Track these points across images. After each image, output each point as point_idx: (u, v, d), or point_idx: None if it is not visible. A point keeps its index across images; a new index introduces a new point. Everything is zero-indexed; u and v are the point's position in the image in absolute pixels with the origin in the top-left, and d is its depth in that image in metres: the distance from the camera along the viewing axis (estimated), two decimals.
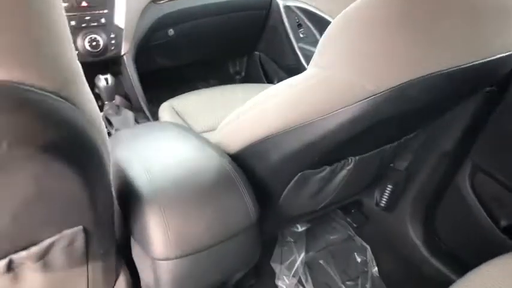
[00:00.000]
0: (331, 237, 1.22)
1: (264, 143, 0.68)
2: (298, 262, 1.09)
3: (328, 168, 0.75)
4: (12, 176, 0.35)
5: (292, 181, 0.73)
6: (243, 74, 1.79)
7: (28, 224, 0.44)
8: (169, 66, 1.52)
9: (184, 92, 1.22)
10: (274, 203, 0.81)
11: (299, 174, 0.71)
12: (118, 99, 1.30)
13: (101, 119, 0.51)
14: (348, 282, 1.09)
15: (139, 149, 0.74)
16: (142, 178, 0.65)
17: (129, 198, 0.65)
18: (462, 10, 0.50)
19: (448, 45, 0.51)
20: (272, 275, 1.07)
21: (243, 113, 0.72)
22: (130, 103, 1.29)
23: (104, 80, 1.09)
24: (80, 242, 0.51)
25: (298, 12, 1.40)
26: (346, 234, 1.24)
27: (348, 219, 1.28)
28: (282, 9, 1.46)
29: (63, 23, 0.36)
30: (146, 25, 1.23)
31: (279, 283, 1.05)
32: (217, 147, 0.76)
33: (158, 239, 0.60)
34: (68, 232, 0.48)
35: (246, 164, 0.74)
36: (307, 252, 1.14)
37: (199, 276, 0.64)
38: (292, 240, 1.15)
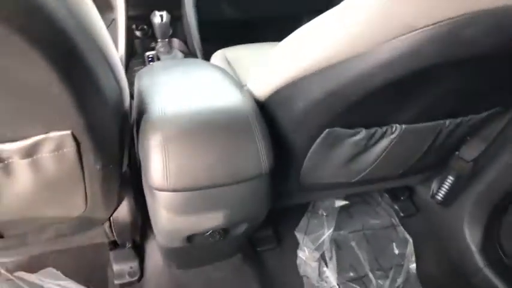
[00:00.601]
0: (371, 221, 1.10)
1: (289, 88, 0.60)
2: (325, 237, 1.00)
3: (364, 131, 0.65)
4: None
5: (319, 138, 0.64)
6: None
7: (10, 115, 0.43)
8: (236, 17, 1.46)
9: None
10: (298, 162, 0.73)
11: (327, 130, 0.62)
12: (176, 41, 1.29)
13: (102, 30, 0.48)
14: (377, 272, 0.99)
15: (163, 80, 0.71)
16: (156, 107, 0.62)
17: (139, 125, 0.62)
18: None
19: None
20: (294, 245, 1.01)
21: (273, 56, 0.64)
22: (188, 47, 1.28)
23: (159, 17, 1.08)
24: (70, 149, 0.49)
25: None
26: (389, 222, 1.12)
27: (395, 206, 1.15)
28: None
29: None
30: None
31: (300, 253, 0.98)
32: (246, 92, 0.69)
33: (157, 167, 0.56)
34: (55, 134, 0.47)
35: (271, 113, 0.67)
36: (338, 229, 1.05)
37: (196, 216, 0.60)
38: (324, 214, 1.06)
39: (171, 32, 1.27)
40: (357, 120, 0.63)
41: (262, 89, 0.69)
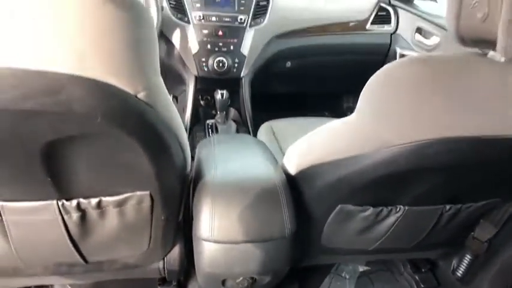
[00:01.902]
0: None
1: (310, 170, 0.78)
2: None
3: (371, 209, 0.79)
4: (99, 145, 0.55)
5: (334, 212, 0.80)
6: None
7: (115, 181, 0.65)
8: (284, 92, 1.70)
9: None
10: (319, 228, 0.88)
11: (339, 206, 0.78)
12: (232, 111, 1.53)
13: (177, 120, 0.69)
14: None
15: (218, 152, 0.92)
16: (209, 172, 0.82)
17: (196, 184, 0.82)
18: (495, 83, 0.52)
19: (479, 113, 0.53)
20: None
21: (302, 141, 0.83)
22: (241, 116, 1.52)
23: (220, 94, 1.33)
24: (146, 204, 0.70)
25: None
26: None
27: (417, 277, 1.22)
28: (398, 57, 1.49)
29: (153, 46, 0.54)
30: (267, 55, 1.44)
31: None
32: (278, 167, 0.88)
33: (205, 221, 0.75)
34: (139, 193, 0.68)
35: (297, 186, 0.84)
36: None
37: (229, 264, 0.77)
38: (346, 276, 1.17)
39: (229, 102, 1.52)
40: (365, 200, 0.78)
41: (292, 166, 0.87)
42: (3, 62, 0.42)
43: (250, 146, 0.98)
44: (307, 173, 0.81)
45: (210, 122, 1.37)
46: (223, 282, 0.83)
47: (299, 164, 0.83)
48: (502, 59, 0.55)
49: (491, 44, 0.56)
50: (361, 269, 1.19)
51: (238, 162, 0.88)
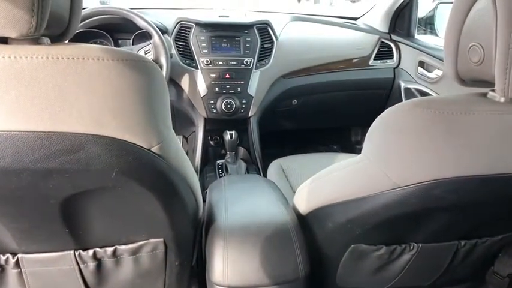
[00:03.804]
0: None
1: (319, 212, 0.79)
2: None
3: (384, 248, 0.79)
4: (115, 196, 0.57)
5: (347, 252, 0.80)
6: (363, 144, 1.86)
7: (129, 229, 0.67)
8: (292, 129, 1.73)
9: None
10: (333, 268, 0.87)
11: (352, 246, 0.78)
12: (241, 150, 1.56)
13: (189, 168, 0.71)
14: None
15: (228, 194, 0.93)
16: (221, 216, 0.83)
17: (208, 229, 0.83)
18: (495, 123, 0.54)
19: (482, 152, 0.54)
20: None
21: (311, 181, 0.84)
22: (250, 155, 1.54)
23: (229, 135, 1.36)
24: (160, 250, 0.71)
25: (417, 94, 1.44)
26: None
27: None
28: (403, 91, 1.52)
29: (165, 102, 0.57)
30: (273, 95, 1.48)
31: None
32: (289, 207, 0.89)
33: (218, 265, 0.75)
34: (153, 240, 0.69)
35: (309, 227, 0.85)
36: None
37: None
38: None
39: (238, 141, 1.55)
40: (378, 239, 0.78)
41: (302, 207, 0.87)
42: (26, 125, 0.45)
43: (261, 187, 0.99)
44: (318, 214, 0.82)
45: (220, 162, 1.40)
46: None
47: (309, 206, 0.84)
48: (502, 99, 0.56)
49: (490, 84, 0.58)
50: None
51: (249, 204, 0.89)
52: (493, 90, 0.59)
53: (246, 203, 0.90)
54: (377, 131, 0.63)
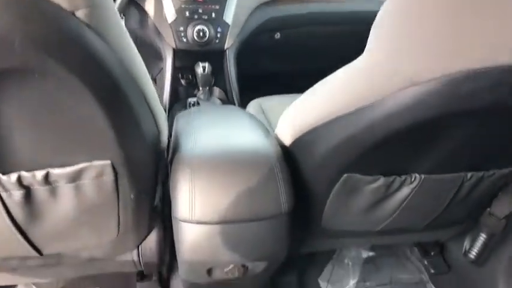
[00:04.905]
0: (399, 275, 1.07)
1: (310, 135, 0.65)
2: (351, 286, 0.98)
3: (382, 179, 0.67)
4: (36, 89, 0.41)
5: (338, 183, 0.67)
6: None
7: (60, 145, 0.51)
8: (274, 71, 1.56)
9: None
10: (320, 207, 0.75)
11: (345, 175, 0.65)
12: (217, 90, 1.39)
13: (142, 70, 0.56)
14: None
15: (197, 123, 0.78)
16: (187, 145, 0.68)
17: (172, 160, 0.69)
18: None
19: None
20: None
21: (297, 103, 0.70)
22: (227, 96, 1.38)
23: (201, 67, 1.19)
24: (108, 177, 0.56)
25: None
26: (419, 278, 1.08)
27: (425, 262, 1.11)
28: None
29: None
30: (253, 25, 1.30)
31: None
32: (272, 138, 0.75)
33: (183, 199, 0.62)
34: (97, 163, 0.54)
35: (294, 158, 0.72)
36: (363, 281, 1.02)
37: (215, 249, 0.64)
38: (350, 263, 1.05)
39: (213, 82, 1.38)
40: (375, 168, 0.66)
41: (286, 135, 0.74)
42: None
43: (237, 116, 0.85)
44: (306, 140, 0.68)
45: (191, 100, 1.23)
46: (209, 271, 0.70)
47: (295, 131, 0.70)
48: None
49: None
50: (364, 255, 1.07)
51: (223, 131, 0.75)
52: None
53: (218, 130, 0.75)
54: (388, 16, 0.48)
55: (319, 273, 1.02)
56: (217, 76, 1.38)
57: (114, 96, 0.47)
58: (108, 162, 0.54)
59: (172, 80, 1.33)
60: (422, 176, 0.68)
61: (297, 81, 1.78)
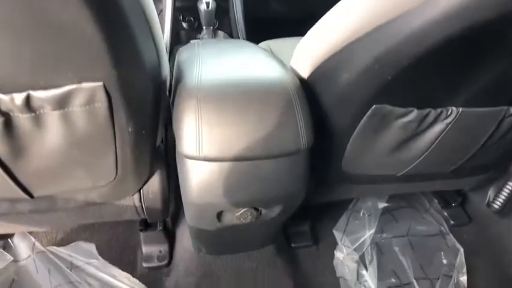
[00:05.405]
0: (417, 227, 1.01)
1: (334, 59, 0.56)
2: (366, 238, 0.93)
3: (415, 112, 0.58)
4: None
5: (365, 117, 0.59)
6: None
7: (43, 60, 0.42)
8: (282, 13, 1.44)
9: None
10: (341, 146, 0.67)
11: (374, 107, 0.57)
12: (221, 34, 1.29)
13: None
14: (422, 281, 0.89)
15: (203, 53, 0.69)
16: (192, 75, 0.59)
17: (175, 91, 0.60)
18: None
19: None
20: (332, 244, 0.94)
21: (315, 29, 0.61)
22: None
23: (205, 4, 1.08)
24: (101, 104, 0.48)
25: None
26: (437, 229, 1.02)
27: (445, 213, 1.05)
28: None
29: None
30: None
31: (337, 253, 0.91)
32: (290, 70, 0.66)
33: (188, 133, 0.54)
34: (87, 85, 0.45)
35: (314, 90, 0.63)
36: (380, 232, 0.97)
37: (227, 189, 0.57)
38: (366, 214, 0.99)
39: (216, 24, 1.27)
40: (408, 98, 0.57)
41: (305, 65, 0.65)
42: None
43: (248, 46, 0.75)
44: (327, 68, 0.59)
45: (194, 41, 1.13)
46: (219, 215, 0.63)
47: (314, 60, 0.61)
48: None
49: None
50: (381, 205, 1.01)
51: (233, 60, 0.65)
52: None
53: (228, 59, 0.66)
54: None
55: (332, 225, 0.97)
56: (221, 19, 1.26)
57: (106, 3, 0.37)
58: (100, 84, 0.45)
59: (173, 22, 1.22)
60: (460, 109, 0.60)
61: (304, 25, 1.66)
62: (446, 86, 0.56)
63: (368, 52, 0.49)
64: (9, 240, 0.91)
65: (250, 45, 0.76)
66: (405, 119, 0.60)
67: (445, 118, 0.61)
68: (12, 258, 0.87)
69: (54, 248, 0.87)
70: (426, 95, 0.57)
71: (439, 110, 0.60)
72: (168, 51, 1.17)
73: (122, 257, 0.89)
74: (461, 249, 0.95)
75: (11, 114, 0.46)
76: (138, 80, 0.51)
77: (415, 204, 1.07)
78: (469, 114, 0.61)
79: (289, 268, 0.88)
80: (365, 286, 0.87)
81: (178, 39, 1.26)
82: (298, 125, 0.56)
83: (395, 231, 0.98)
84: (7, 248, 0.90)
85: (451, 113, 0.60)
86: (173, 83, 0.67)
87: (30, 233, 0.91)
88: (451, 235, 0.99)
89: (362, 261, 0.90)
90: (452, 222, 1.03)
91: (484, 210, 1.02)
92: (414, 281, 0.88)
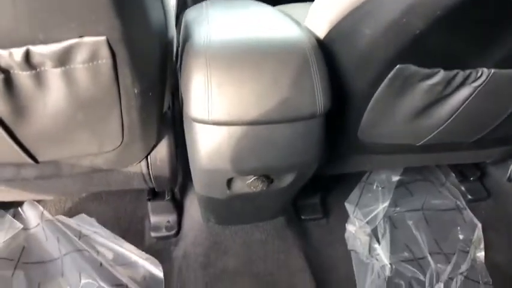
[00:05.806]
0: (433, 201, 0.98)
1: (351, 17, 0.52)
2: (379, 211, 0.90)
3: (442, 73, 0.54)
4: None
5: (387, 78, 0.55)
6: None
7: (41, 12, 0.39)
8: None
9: None
10: (359, 111, 0.63)
11: (398, 67, 0.53)
12: None
13: None
14: (437, 255, 0.87)
15: (212, 12, 0.64)
16: (201, 34, 0.56)
17: (183, 52, 0.57)
18: None
19: None
20: (343, 217, 0.92)
21: None
22: None
23: None
24: (105, 61, 0.44)
25: None
26: (454, 204, 0.98)
27: (462, 188, 1.01)
28: None
29: None
30: None
31: (349, 227, 0.89)
32: (307, 30, 0.62)
33: (197, 96, 0.50)
34: (89, 39, 0.42)
35: (331, 50, 0.59)
36: (394, 206, 0.94)
37: (238, 154, 0.54)
38: (379, 186, 0.96)
39: None
40: (434, 58, 0.53)
41: (321, 23, 0.60)
42: None
43: (261, 5, 0.71)
44: (346, 26, 0.55)
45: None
46: (229, 183, 0.61)
47: (331, 17, 0.57)
48: None
49: None
50: (395, 178, 0.98)
51: (244, 18, 0.61)
52: None
53: (239, 17, 0.62)
54: None
55: (343, 198, 0.94)
56: None
57: None
58: (103, 38, 0.42)
59: None
60: (492, 71, 0.55)
61: None
62: (477, 44, 0.51)
63: (395, 3, 0.45)
64: (19, 208, 0.90)
65: (262, 5, 0.71)
66: (430, 81, 0.55)
67: (474, 81, 0.56)
68: (22, 226, 0.87)
69: (62, 217, 0.86)
70: (455, 54, 0.53)
71: (468, 72, 0.55)
72: (174, 17, 1.13)
73: (130, 226, 0.88)
74: (479, 225, 0.92)
75: (11, 71, 0.43)
76: (143, 37, 0.47)
77: (431, 178, 1.03)
78: (501, 76, 0.56)
79: (299, 240, 0.86)
80: (377, 259, 0.84)
81: (185, 5, 1.21)
82: (314, 87, 0.53)
83: (409, 205, 0.95)
84: (17, 216, 0.89)
85: (481, 74, 0.56)
86: (180, 44, 0.63)
87: (39, 202, 0.90)
88: (468, 210, 0.96)
89: (374, 235, 0.88)
90: (469, 196, 1.00)
91: (504, 184, 0.98)
92: (428, 255, 0.86)
